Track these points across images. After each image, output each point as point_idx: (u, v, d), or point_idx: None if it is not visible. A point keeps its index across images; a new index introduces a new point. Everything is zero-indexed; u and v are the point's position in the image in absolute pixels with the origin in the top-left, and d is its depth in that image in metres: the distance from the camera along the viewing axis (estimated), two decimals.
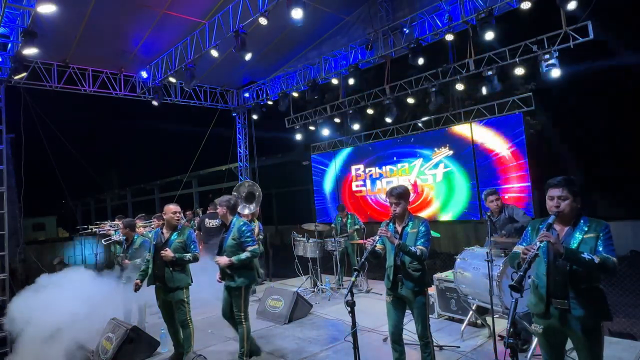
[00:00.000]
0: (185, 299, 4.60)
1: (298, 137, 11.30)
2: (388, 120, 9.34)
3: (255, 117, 11.41)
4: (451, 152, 9.18)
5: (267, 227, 11.66)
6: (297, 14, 5.91)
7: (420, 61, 7.43)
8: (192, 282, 4.74)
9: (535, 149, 9.62)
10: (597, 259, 2.45)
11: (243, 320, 4.46)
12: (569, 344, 2.80)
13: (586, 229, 2.62)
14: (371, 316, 5.59)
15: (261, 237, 7.87)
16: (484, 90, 7.62)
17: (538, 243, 2.50)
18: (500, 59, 7.57)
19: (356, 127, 10.24)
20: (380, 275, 3.82)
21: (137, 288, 4.73)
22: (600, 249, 2.53)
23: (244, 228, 4.46)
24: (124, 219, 8.02)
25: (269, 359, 4.90)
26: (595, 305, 2.55)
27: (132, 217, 6.93)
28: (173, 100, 10.42)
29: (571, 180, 2.67)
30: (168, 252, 4.46)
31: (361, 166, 11.12)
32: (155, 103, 9.44)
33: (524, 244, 2.79)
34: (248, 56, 6.82)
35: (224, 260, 4.35)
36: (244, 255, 4.36)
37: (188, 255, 4.54)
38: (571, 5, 5.93)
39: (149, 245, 5.71)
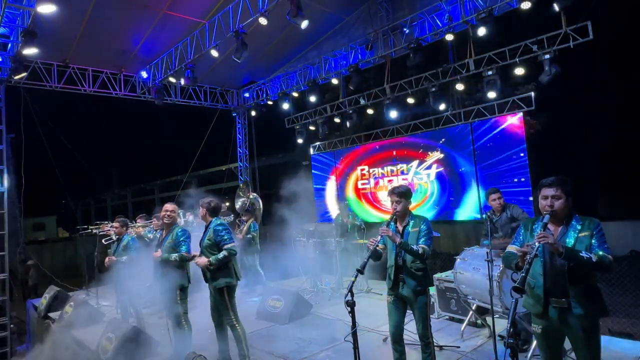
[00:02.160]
0: (178, 301, 4.54)
1: (298, 137, 11.30)
2: (392, 117, 9.30)
3: (255, 117, 11.41)
4: (442, 155, 9.24)
5: (266, 227, 11.65)
6: (304, 23, 6.01)
7: (410, 61, 7.49)
8: (189, 283, 4.69)
9: (535, 149, 9.61)
10: (594, 257, 2.49)
11: (235, 322, 4.40)
12: (567, 344, 2.80)
13: (579, 227, 2.65)
14: (371, 316, 5.59)
15: (249, 236, 7.87)
16: (485, 91, 7.63)
17: (537, 243, 2.50)
18: (500, 59, 7.56)
19: (356, 127, 10.23)
20: (380, 275, 3.81)
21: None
22: (596, 246, 2.56)
23: (218, 228, 4.41)
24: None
25: (269, 359, 4.90)
26: (593, 302, 2.58)
27: (133, 217, 6.94)
28: (173, 100, 10.42)
29: (564, 179, 2.69)
30: (156, 253, 4.46)
31: (365, 166, 11.12)
32: (157, 102, 9.42)
33: (517, 244, 2.81)
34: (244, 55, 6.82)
35: (202, 260, 4.31)
36: (221, 255, 4.29)
37: (174, 255, 4.45)
38: (558, 5, 5.96)
39: (136, 246, 5.74)
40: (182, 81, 9.06)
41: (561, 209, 2.65)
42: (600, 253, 2.52)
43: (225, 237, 4.36)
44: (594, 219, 2.66)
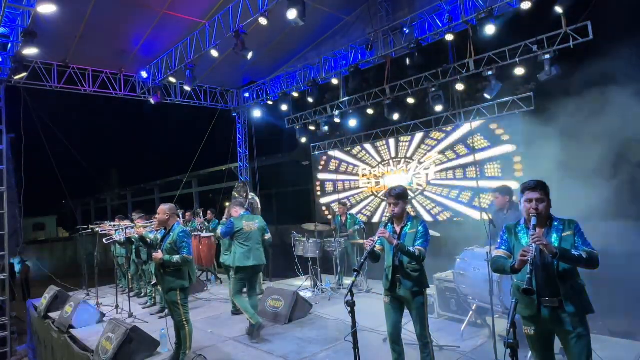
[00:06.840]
0: (179, 301, 4.52)
1: (298, 137, 11.29)
2: (391, 119, 9.30)
3: (255, 117, 11.41)
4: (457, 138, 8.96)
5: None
6: (292, 14, 5.96)
7: (410, 61, 7.49)
8: (189, 283, 4.68)
9: (535, 149, 9.59)
10: (584, 255, 2.57)
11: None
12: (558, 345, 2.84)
13: (562, 227, 2.74)
14: (371, 316, 5.57)
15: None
16: (484, 91, 7.63)
17: (534, 245, 2.56)
18: (500, 59, 7.56)
19: (356, 127, 10.23)
20: (381, 274, 3.81)
21: (154, 284, 4.74)
22: (580, 244, 2.66)
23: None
24: (124, 219, 8.03)
25: (268, 359, 4.90)
26: (582, 300, 2.66)
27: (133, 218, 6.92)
28: (173, 100, 10.42)
29: (544, 182, 2.78)
30: (157, 255, 4.44)
31: (366, 166, 11.11)
32: (152, 101, 9.37)
33: (503, 248, 2.89)
34: (249, 55, 6.82)
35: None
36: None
37: (176, 257, 4.41)
38: (559, 9, 5.96)
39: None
40: (186, 88, 9.03)
41: (545, 211, 2.74)
42: (587, 249, 2.62)
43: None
44: (572, 219, 2.77)
